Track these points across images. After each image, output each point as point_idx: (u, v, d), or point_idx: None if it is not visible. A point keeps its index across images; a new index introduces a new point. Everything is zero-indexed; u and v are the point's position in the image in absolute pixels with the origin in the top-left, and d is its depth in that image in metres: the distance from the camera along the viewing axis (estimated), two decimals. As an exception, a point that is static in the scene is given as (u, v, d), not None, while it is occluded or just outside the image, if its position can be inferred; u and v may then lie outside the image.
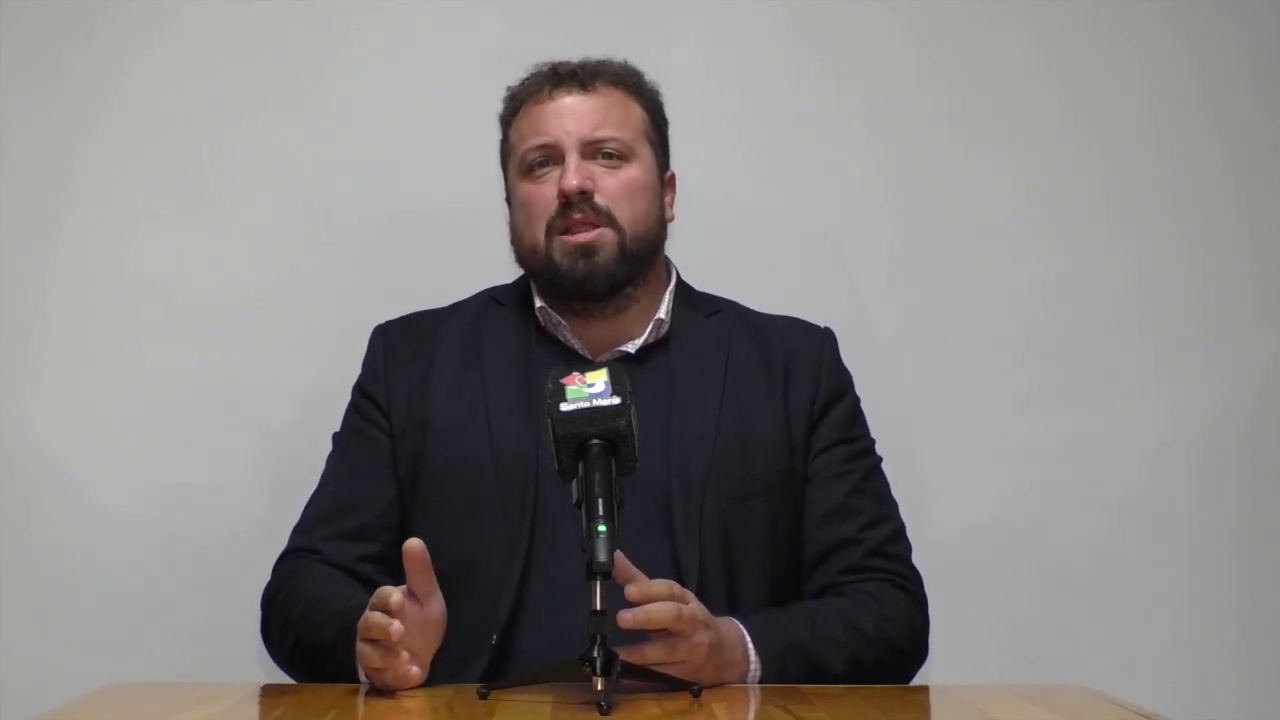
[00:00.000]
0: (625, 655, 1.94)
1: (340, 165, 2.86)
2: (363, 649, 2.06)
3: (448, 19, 2.89)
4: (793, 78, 2.92)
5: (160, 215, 2.85)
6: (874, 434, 2.46)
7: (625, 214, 2.35)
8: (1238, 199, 2.95)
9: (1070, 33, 2.94)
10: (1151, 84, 2.94)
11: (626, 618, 1.99)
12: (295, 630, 2.27)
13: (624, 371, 2.02)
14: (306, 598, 2.28)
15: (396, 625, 1.99)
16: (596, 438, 1.97)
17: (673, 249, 2.48)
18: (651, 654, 2.02)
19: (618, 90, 2.41)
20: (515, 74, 2.48)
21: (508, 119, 2.45)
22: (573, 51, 2.45)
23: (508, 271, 2.50)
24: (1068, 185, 2.93)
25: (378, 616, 2.01)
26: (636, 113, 2.41)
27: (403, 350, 2.44)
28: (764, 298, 2.53)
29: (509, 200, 2.45)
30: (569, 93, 2.39)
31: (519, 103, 2.43)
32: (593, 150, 2.36)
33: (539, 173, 2.37)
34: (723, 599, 2.26)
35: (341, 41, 2.88)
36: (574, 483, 1.97)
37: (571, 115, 2.37)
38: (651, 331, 2.40)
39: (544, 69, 2.43)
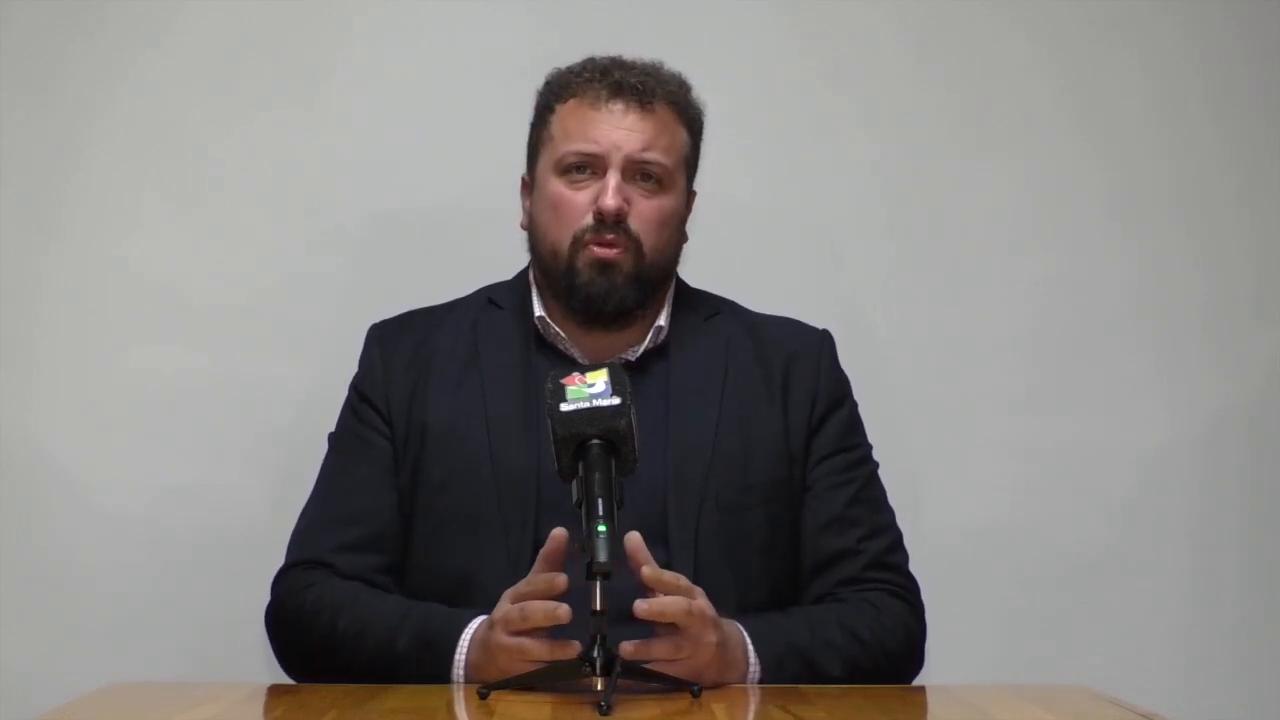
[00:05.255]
0: (631, 650, 1.95)
1: (340, 165, 2.86)
2: (523, 643, 2.03)
3: (447, 19, 2.89)
4: (793, 77, 2.92)
5: (160, 216, 2.85)
6: (872, 435, 2.45)
7: (651, 242, 2.33)
8: (1238, 199, 2.95)
9: (1070, 33, 2.94)
10: (1151, 84, 2.94)
11: (641, 607, 2.00)
12: (346, 647, 2.21)
13: (624, 371, 2.02)
14: (349, 612, 2.23)
15: (565, 609, 1.98)
16: (596, 438, 1.97)
17: (675, 252, 2.48)
18: (658, 650, 2.03)
19: (671, 111, 2.36)
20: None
21: (550, 104, 2.39)
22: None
23: (505, 271, 2.49)
24: (1068, 185, 2.94)
25: (542, 605, 2.01)
26: (682, 138, 2.38)
27: (400, 352, 2.42)
28: (763, 298, 2.53)
29: (529, 181, 2.42)
30: (625, 105, 2.34)
31: (568, 94, 2.37)
32: (635, 170, 2.33)
33: (577, 178, 2.34)
34: (721, 609, 2.25)
35: (340, 42, 2.88)
36: (574, 483, 1.97)
37: (623, 130, 2.33)
38: (651, 339, 2.39)
39: (601, 66, 2.37)
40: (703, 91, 2.45)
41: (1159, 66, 2.94)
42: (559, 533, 2.04)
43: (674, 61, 2.47)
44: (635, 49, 2.45)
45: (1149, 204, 2.94)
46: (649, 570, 2.03)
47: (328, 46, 2.88)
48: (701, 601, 2.07)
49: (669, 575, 2.06)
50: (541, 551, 2.06)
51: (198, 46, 2.86)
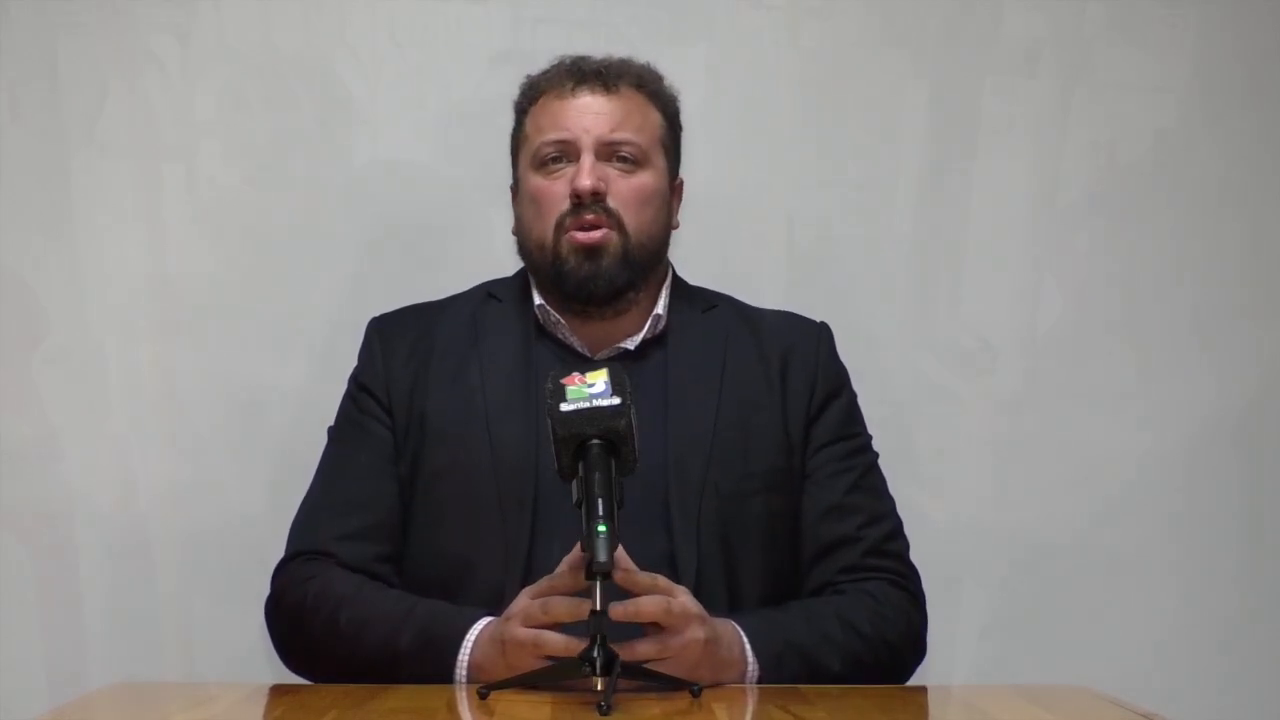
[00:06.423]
0: (619, 652, 1.95)
1: (339, 165, 2.86)
2: (540, 635, 2.03)
3: (448, 19, 2.89)
4: (792, 77, 2.92)
5: (160, 216, 2.85)
6: (872, 434, 2.46)
7: (633, 220, 2.34)
8: (1235, 199, 2.95)
9: (1071, 32, 2.94)
10: (1152, 84, 2.94)
11: (617, 610, 1.99)
12: (346, 642, 2.21)
13: (624, 371, 2.02)
14: (350, 607, 2.23)
15: (587, 604, 1.96)
16: (596, 438, 1.96)
17: (671, 248, 2.48)
18: (643, 650, 2.03)
19: (639, 94, 2.39)
20: (514, 74, 2.48)
21: (524, 107, 2.42)
22: (574, 52, 2.44)
23: (503, 269, 2.50)
24: (1066, 185, 2.94)
25: (565, 600, 2.02)
26: (655, 119, 2.40)
27: (400, 344, 2.42)
28: (761, 297, 2.53)
29: (514, 189, 2.44)
30: (591, 91, 2.37)
31: (538, 93, 2.40)
32: (609, 152, 2.35)
33: (553, 168, 2.36)
34: (721, 597, 2.26)
35: (340, 41, 2.88)
36: (574, 483, 1.97)
37: (592, 114, 2.35)
38: (649, 328, 2.40)
39: (567, 63, 2.41)
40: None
41: (1159, 67, 2.94)
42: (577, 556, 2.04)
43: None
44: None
45: (1147, 204, 2.94)
46: (621, 575, 2.02)
47: (328, 46, 2.88)
48: (684, 599, 2.07)
49: (644, 577, 2.06)
50: (566, 558, 2.07)
51: (199, 46, 2.86)
